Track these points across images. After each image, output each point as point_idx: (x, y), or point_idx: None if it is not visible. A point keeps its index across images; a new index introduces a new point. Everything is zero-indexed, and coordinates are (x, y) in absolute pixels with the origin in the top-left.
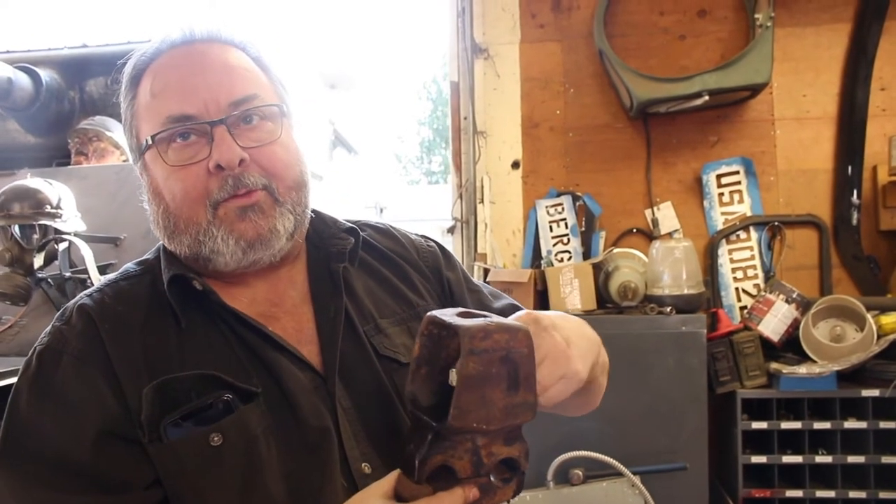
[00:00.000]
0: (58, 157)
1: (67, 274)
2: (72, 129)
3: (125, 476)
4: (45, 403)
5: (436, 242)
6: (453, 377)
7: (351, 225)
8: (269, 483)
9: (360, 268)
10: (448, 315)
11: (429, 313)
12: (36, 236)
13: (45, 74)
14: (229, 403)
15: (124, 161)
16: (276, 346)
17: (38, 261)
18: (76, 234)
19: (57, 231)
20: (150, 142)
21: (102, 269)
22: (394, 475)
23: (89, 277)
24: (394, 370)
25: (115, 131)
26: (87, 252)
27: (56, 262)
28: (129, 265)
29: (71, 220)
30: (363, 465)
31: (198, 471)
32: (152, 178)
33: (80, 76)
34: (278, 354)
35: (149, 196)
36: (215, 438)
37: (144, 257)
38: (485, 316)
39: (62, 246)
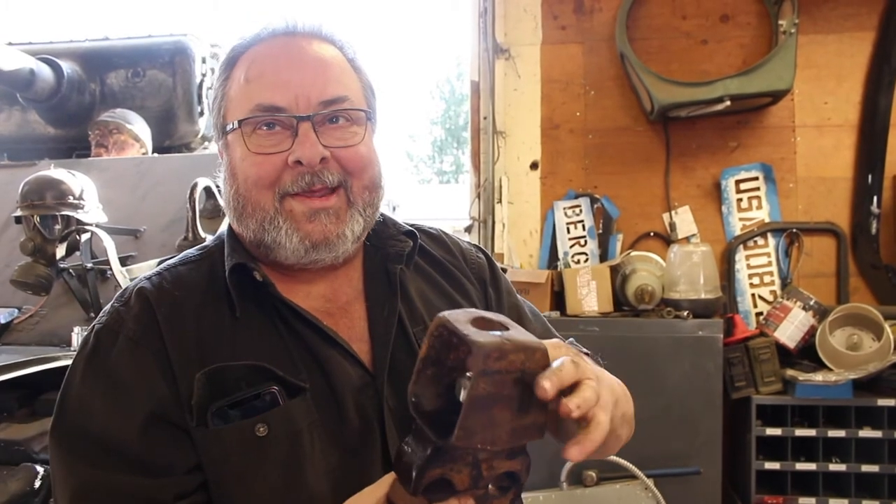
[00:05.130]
0: (78, 148)
1: (89, 265)
2: (92, 122)
3: (168, 460)
4: (97, 382)
5: (484, 253)
6: (461, 391)
7: (410, 228)
8: (311, 477)
9: (414, 271)
10: (461, 322)
11: (441, 314)
12: (58, 227)
13: (67, 66)
14: (277, 396)
15: (144, 154)
16: (329, 342)
17: (60, 251)
18: (98, 226)
19: (79, 222)
20: (235, 125)
21: (123, 261)
22: (388, 479)
23: (111, 268)
24: None
25: (136, 124)
26: (109, 243)
27: (77, 253)
28: (189, 251)
29: (93, 212)
30: None
31: (241, 459)
32: (231, 158)
33: (101, 69)
34: (332, 350)
35: (225, 175)
36: (261, 429)
37: (205, 244)
38: (501, 325)
39: (84, 237)
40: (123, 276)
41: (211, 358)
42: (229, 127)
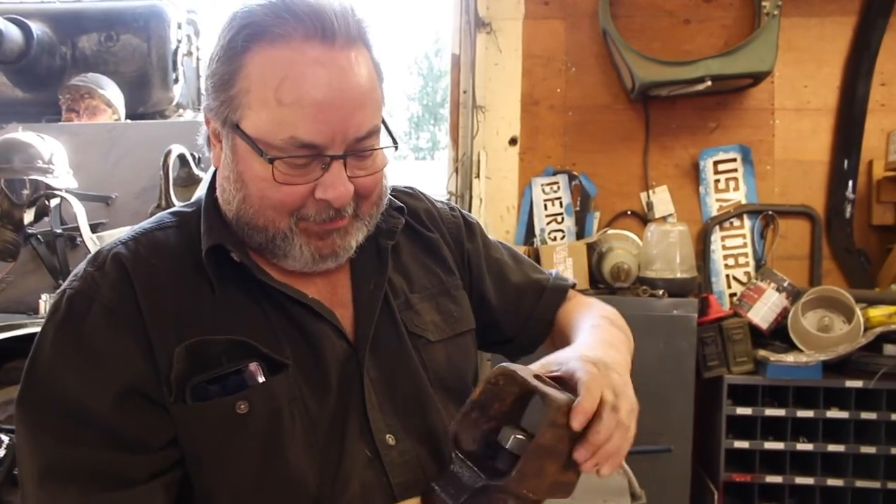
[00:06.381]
0: (47, 113)
1: (58, 231)
2: (63, 85)
3: (142, 436)
4: (70, 351)
5: (459, 211)
6: (509, 439)
7: (400, 204)
8: (291, 453)
9: (398, 245)
10: (527, 374)
11: (505, 366)
12: (26, 192)
13: (37, 28)
14: (258, 372)
15: (116, 120)
16: (314, 315)
17: (28, 216)
18: (68, 191)
19: (48, 187)
20: (263, 154)
21: (93, 228)
22: None
23: (80, 235)
24: (422, 346)
25: (108, 89)
26: (79, 209)
27: (46, 219)
28: (163, 214)
29: (63, 177)
30: (388, 436)
31: (220, 436)
32: (241, 165)
33: (72, 31)
34: (319, 323)
35: (229, 174)
36: (241, 406)
37: (179, 209)
38: (559, 381)
39: (53, 202)
40: (94, 243)
41: (190, 331)
42: (245, 137)
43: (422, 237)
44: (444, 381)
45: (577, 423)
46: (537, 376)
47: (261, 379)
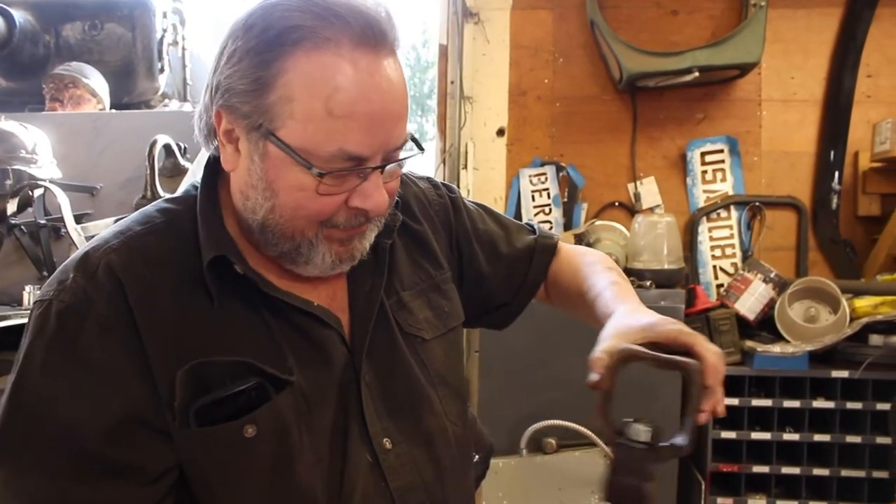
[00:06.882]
0: (31, 102)
1: (42, 221)
2: (47, 75)
3: (141, 466)
4: (62, 375)
5: (445, 189)
6: (640, 431)
7: (398, 199)
8: (299, 471)
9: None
10: (648, 351)
11: (625, 348)
12: (9, 182)
13: (20, 16)
14: (263, 391)
15: (101, 110)
16: (321, 323)
17: (12, 207)
18: (52, 182)
19: (32, 177)
20: (312, 170)
21: (78, 219)
22: None
23: (65, 226)
24: (418, 345)
25: (93, 78)
26: (63, 200)
27: (30, 210)
28: (150, 211)
29: (46, 167)
30: (384, 440)
31: (227, 460)
32: (275, 170)
33: (56, 20)
34: (325, 330)
35: (255, 183)
36: (249, 430)
37: (166, 205)
38: (656, 347)
39: (37, 192)
40: (78, 234)
41: (190, 350)
42: (281, 144)
43: (410, 231)
44: (443, 377)
45: (716, 381)
46: (652, 347)
47: (267, 399)
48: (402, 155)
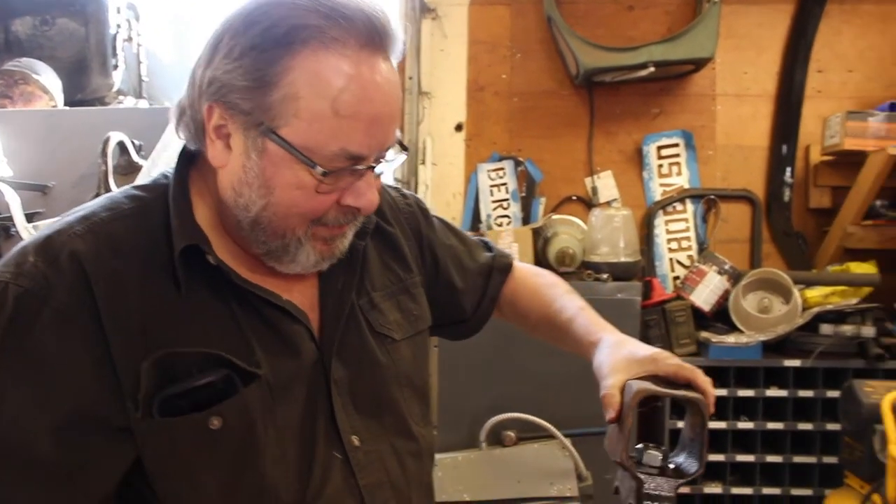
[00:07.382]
0: None
1: None
2: None
3: (87, 469)
4: (12, 362)
5: (414, 199)
6: (657, 457)
7: None
8: (263, 466)
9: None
10: (659, 387)
11: (643, 388)
12: None
13: None
14: (231, 383)
15: (53, 107)
16: (289, 317)
17: None
18: (1, 180)
19: None
20: (316, 169)
21: (29, 218)
22: None
23: (14, 225)
24: (388, 345)
25: (44, 74)
26: (13, 199)
27: None
28: (117, 197)
29: None
30: (353, 437)
31: (190, 451)
32: (272, 168)
33: (5, 15)
34: (293, 325)
35: (251, 180)
36: (215, 422)
37: (136, 192)
38: (656, 379)
39: None
40: (29, 233)
41: (157, 341)
42: (282, 142)
43: (383, 233)
44: (410, 379)
45: (713, 409)
46: (652, 379)
47: (234, 392)
48: (389, 155)
